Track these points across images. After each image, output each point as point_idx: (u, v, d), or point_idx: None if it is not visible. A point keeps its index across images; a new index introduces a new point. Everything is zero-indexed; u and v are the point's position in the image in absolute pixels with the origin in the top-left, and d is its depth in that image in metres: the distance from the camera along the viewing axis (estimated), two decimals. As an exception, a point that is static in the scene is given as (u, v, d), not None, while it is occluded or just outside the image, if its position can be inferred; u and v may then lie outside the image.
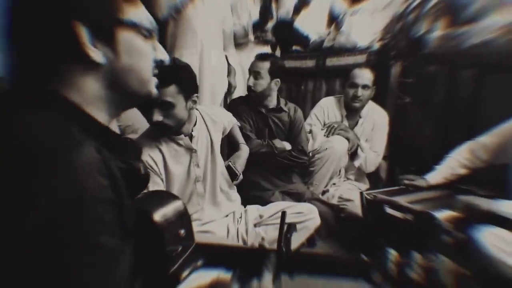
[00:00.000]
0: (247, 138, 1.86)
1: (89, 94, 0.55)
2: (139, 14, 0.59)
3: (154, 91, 0.65)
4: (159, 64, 0.65)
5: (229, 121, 1.72)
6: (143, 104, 1.30)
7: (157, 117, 1.28)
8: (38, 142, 0.45)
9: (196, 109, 1.48)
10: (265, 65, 1.93)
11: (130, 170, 0.58)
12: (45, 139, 0.46)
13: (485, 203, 1.35)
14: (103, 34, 0.54)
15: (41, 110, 0.50)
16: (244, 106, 1.99)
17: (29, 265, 0.41)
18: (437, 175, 1.72)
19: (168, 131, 1.36)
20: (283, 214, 0.94)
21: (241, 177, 1.63)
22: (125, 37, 0.57)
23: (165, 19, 2.17)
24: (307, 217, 1.58)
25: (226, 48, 2.41)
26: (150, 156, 1.36)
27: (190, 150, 1.45)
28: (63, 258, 0.42)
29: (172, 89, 1.27)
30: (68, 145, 0.46)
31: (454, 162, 1.70)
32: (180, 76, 1.30)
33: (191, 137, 1.46)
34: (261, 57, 1.98)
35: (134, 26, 0.58)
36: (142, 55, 0.60)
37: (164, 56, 0.66)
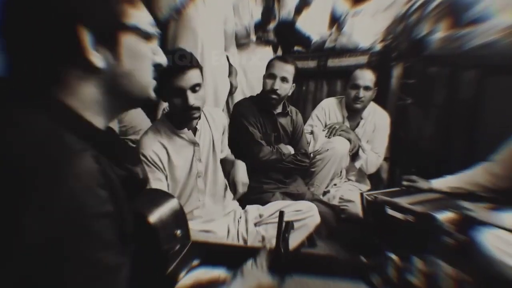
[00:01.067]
0: (258, 145, 1.84)
1: (88, 99, 0.54)
2: (141, 17, 0.58)
3: (153, 95, 0.63)
4: (158, 67, 0.63)
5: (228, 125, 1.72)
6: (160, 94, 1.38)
7: (192, 100, 1.33)
8: (34, 153, 0.44)
9: None
10: (291, 69, 1.90)
11: (128, 175, 0.57)
12: (41, 150, 0.44)
13: (486, 216, 1.33)
14: (106, 39, 0.53)
15: (38, 117, 0.48)
16: (253, 109, 1.94)
17: (27, 282, 0.40)
18: (443, 182, 1.70)
19: (196, 115, 1.39)
20: (281, 213, 0.95)
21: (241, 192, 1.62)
22: (128, 41, 0.56)
23: (165, 20, 2.17)
24: (306, 215, 1.59)
25: (227, 48, 2.41)
26: (154, 151, 1.38)
27: (193, 144, 1.47)
28: (60, 275, 0.42)
29: (197, 71, 1.36)
30: (65, 156, 0.45)
31: (466, 177, 1.67)
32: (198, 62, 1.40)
33: (195, 131, 1.48)
34: (287, 60, 1.92)
35: (136, 30, 0.57)
36: (143, 59, 0.59)
37: (163, 59, 0.64)
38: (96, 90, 0.55)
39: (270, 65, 1.94)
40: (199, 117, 1.44)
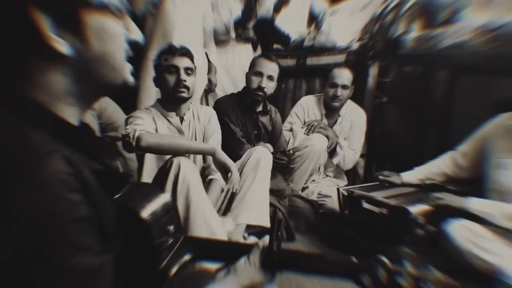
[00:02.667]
0: (239, 143, 1.85)
1: (57, 90, 0.49)
2: None
3: (130, 78, 0.58)
4: (134, 45, 0.58)
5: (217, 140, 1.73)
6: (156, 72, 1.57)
7: (184, 76, 1.50)
8: None
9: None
10: (277, 68, 1.92)
11: (106, 170, 0.54)
12: (3, 154, 0.40)
13: (456, 200, 1.41)
14: (68, 21, 0.47)
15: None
16: (234, 107, 1.94)
17: None
18: (413, 175, 1.77)
19: (184, 94, 1.52)
20: (275, 212, 0.96)
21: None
22: (95, 20, 0.49)
23: (142, 15, 2.14)
24: (258, 155, 1.63)
25: (206, 45, 2.40)
26: (142, 117, 1.47)
27: (178, 131, 1.56)
28: (36, 285, 0.40)
29: (191, 63, 1.55)
30: (31, 160, 0.41)
31: (433, 168, 1.75)
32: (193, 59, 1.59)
33: (182, 119, 1.59)
34: (272, 59, 1.92)
35: (102, 6, 0.50)
36: (115, 39, 0.53)
37: (138, 35, 0.59)
38: (64, 79, 0.50)
39: (256, 63, 1.94)
40: (186, 100, 1.55)
